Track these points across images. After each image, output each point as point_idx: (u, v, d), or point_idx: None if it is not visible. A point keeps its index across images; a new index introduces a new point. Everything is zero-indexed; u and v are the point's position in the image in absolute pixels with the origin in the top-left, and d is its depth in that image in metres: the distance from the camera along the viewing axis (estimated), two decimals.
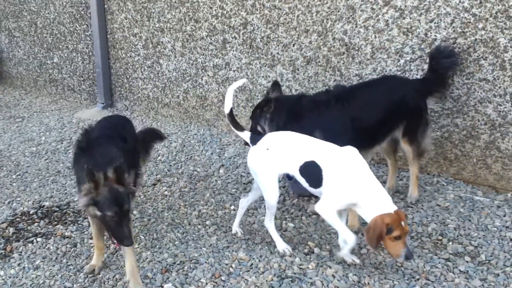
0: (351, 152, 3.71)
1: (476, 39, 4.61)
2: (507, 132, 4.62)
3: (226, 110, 4.16)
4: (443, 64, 4.63)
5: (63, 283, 3.90)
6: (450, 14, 4.69)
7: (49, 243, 4.43)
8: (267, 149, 3.91)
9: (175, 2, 6.74)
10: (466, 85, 4.74)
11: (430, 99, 4.65)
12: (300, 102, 4.51)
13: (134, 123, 4.86)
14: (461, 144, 4.90)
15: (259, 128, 4.60)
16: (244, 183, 5.25)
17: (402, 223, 3.41)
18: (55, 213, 4.91)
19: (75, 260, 4.19)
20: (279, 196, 4.91)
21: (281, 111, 4.48)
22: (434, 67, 4.63)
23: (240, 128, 4.18)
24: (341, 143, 4.23)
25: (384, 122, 4.47)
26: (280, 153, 3.87)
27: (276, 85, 4.69)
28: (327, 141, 4.16)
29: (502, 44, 4.49)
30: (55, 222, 4.76)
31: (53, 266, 4.12)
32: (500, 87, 4.58)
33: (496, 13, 4.46)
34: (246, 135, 4.11)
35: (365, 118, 4.39)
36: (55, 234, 4.56)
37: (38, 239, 4.49)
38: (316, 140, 3.88)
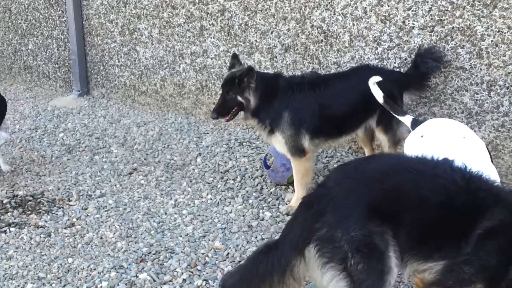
0: None
1: (453, 27, 4.61)
2: (484, 121, 4.63)
3: (380, 99, 4.04)
4: (429, 65, 4.62)
5: (37, 273, 3.85)
6: (427, 1, 4.67)
7: (23, 233, 4.36)
8: (422, 136, 3.61)
9: None
10: (443, 73, 4.74)
11: (406, 94, 4.67)
12: (276, 80, 4.53)
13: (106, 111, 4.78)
14: None
15: (239, 99, 4.42)
16: (221, 172, 5.22)
17: None
18: (29, 203, 4.83)
19: (49, 250, 4.14)
20: (256, 185, 4.91)
21: (261, 84, 4.43)
22: (418, 65, 4.64)
23: (402, 112, 4.03)
24: (306, 128, 4.37)
25: (354, 111, 4.52)
26: (435, 142, 3.46)
27: (237, 57, 4.65)
28: (293, 124, 4.27)
29: (479, 32, 4.49)
30: (29, 212, 4.69)
31: (27, 256, 4.07)
32: (477, 76, 4.59)
33: (473, 1, 4.46)
34: (407, 120, 3.90)
35: (333, 106, 4.44)
36: (29, 224, 4.50)
37: (12, 229, 4.42)
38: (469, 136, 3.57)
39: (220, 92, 4.60)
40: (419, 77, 4.69)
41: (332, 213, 2.64)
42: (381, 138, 4.63)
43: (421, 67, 4.63)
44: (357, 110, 4.52)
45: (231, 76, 4.50)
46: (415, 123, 3.80)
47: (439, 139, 3.46)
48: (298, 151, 4.42)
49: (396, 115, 4.05)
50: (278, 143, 4.48)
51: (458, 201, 2.57)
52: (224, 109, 4.49)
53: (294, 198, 4.49)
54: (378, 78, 4.09)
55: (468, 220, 2.53)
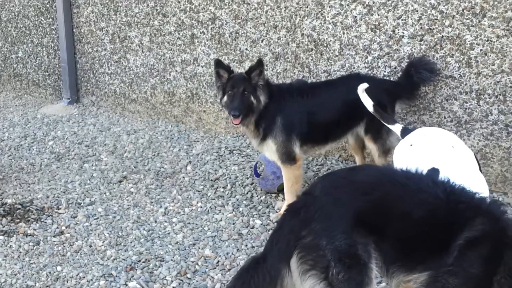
0: None
1: (443, 36, 4.64)
2: (473, 129, 4.66)
3: (370, 108, 4.04)
4: (423, 76, 4.62)
5: (25, 282, 3.82)
6: (417, 11, 4.70)
7: (11, 241, 4.33)
8: (411, 145, 3.60)
9: None
10: (432, 82, 4.76)
11: (398, 103, 4.70)
12: (269, 86, 4.47)
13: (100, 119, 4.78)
14: None
15: (252, 99, 4.30)
16: (211, 180, 5.21)
17: None
18: (18, 211, 4.80)
19: (37, 258, 4.11)
20: (247, 193, 4.90)
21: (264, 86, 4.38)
22: (411, 74, 4.64)
23: (391, 121, 4.03)
24: (297, 134, 4.41)
25: (340, 119, 4.54)
26: (424, 151, 3.46)
27: (221, 64, 4.46)
28: (285, 129, 4.32)
29: (468, 41, 4.52)
30: (18, 220, 4.66)
31: (15, 264, 4.04)
32: (466, 84, 4.61)
33: (462, 10, 4.49)
34: (397, 128, 3.91)
35: (320, 113, 4.48)
36: (18, 232, 4.47)
37: (0, 237, 4.39)
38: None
39: (231, 90, 4.34)
40: (411, 87, 4.71)
41: (318, 221, 2.64)
42: (371, 146, 4.66)
43: (414, 77, 4.63)
44: (343, 118, 4.54)
45: (244, 73, 4.39)
46: (405, 132, 3.80)
47: (428, 148, 3.46)
48: (289, 158, 4.43)
49: (385, 124, 4.05)
50: (270, 150, 4.48)
51: (439, 214, 2.61)
52: (244, 108, 4.29)
53: (284, 206, 4.49)
54: (365, 85, 4.09)
55: (449, 232, 2.57)
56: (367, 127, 4.56)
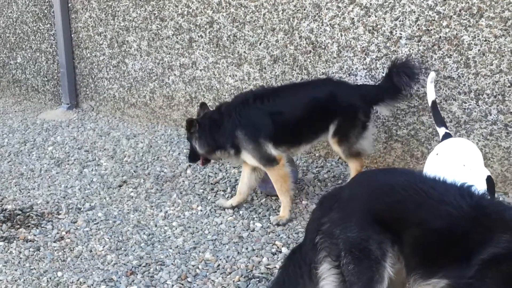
0: None
1: (440, 37, 4.64)
2: (472, 129, 4.66)
3: (428, 101, 4.11)
4: (402, 80, 4.59)
5: None
6: (414, 12, 4.71)
7: (12, 247, 4.33)
8: (437, 154, 3.66)
9: (140, 0, 6.66)
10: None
11: (382, 106, 4.70)
12: (219, 110, 4.68)
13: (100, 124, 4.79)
14: (427, 142, 4.92)
15: (194, 147, 4.74)
16: (211, 183, 5.21)
17: None
18: (18, 216, 4.80)
19: (38, 264, 4.11)
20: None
21: (205, 125, 4.62)
22: (392, 76, 4.63)
23: (439, 123, 4.02)
24: (262, 137, 4.45)
25: (310, 120, 4.54)
26: (441, 164, 3.51)
27: (203, 105, 4.88)
28: (249, 137, 4.42)
29: (466, 41, 4.52)
30: (18, 226, 4.66)
31: (16, 270, 4.04)
32: (464, 85, 4.62)
33: (460, 10, 4.50)
34: (441, 132, 3.91)
35: (285, 115, 4.51)
36: (18, 237, 4.47)
37: (0, 243, 4.39)
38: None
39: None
40: (392, 89, 4.66)
41: (336, 211, 2.78)
42: (335, 149, 4.67)
43: (394, 79, 4.62)
44: (311, 119, 4.54)
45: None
46: (445, 138, 3.84)
47: (443, 163, 3.49)
48: (269, 160, 4.46)
49: (435, 123, 4.10)
50: (248, 160, 4.55)
51: (460, 227, 2.58)
52: (194, 155, 4.83)
53: (282, 208, 4.49)
54: (434, 75, 4.29)
55: (471, 245, 2.53)
56: (336, 130, 4.56)
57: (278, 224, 4.39)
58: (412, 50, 4.79)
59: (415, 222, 2.65)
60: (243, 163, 4.66)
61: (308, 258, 2.87)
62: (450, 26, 4.57)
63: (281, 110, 4.51)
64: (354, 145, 4.57)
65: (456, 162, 3.47)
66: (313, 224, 2.90)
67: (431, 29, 4.67)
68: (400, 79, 4.60)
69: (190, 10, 6.20)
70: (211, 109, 4.92)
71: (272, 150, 4.46)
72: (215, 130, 4.57)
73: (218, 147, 4.60)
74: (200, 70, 6.35)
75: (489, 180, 3.44)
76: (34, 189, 5.36)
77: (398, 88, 4.65)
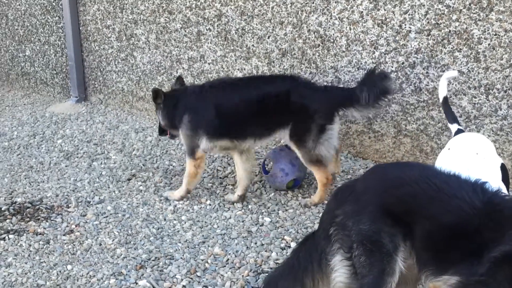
0: None
1: (450, 31, 4.62)
2: (482, 124, 4.64)
3: (440, 98, 4.10)
4: (373, 92, 4.33)
5: (36, 281, 3.84)
6: (424, 5, 4.68)
7: (22, 240, 4.35)
8: (449, 149, 3.60)
9: None
10: (440, 77, 4.73)
11: (354, 111, 4.45)
12: (185, 90, 4.88)
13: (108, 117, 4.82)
14: (437, 137, 4.91)
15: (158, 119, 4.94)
16: (220, 177, 5.21)
17: None
18: (28, 209, 4.82)
19: (48, 257, 4.13)
20: (255, 191, 4.91)
21: (170, 101, 4.80)
22: (365, 84, 4.41)
23: (451, 119, 3.97)
24: (205, 127, 4.58)
25: (260, 115, 4.51)
26: (453, 157, 3.45)
27: (180, 78, 5.05)
28: (191, 125, 4.58)
29: (476, 35, 4.50)
30: (28, 219, 4.68)
31: (26, 263, 4.06)
32: (474, 79, 4.60)
33: (469, 4, 4.47)
34: (453, 128, 3.87)
35: (232, 107, 4.56)
36: (28, 230, 4.49)
37: (10, 236, 4.41)
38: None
39: None
40: (363, 99, 4.36)
41: (349, 203, 2.80)
42: (296, 152, 4.57)
43: (365, 90, 4.34)
44: (260, 115, 4.51)
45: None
46: (457, 133, 3.79)
47: (455, 155, 3.46)
48: (192, 153, 4.65)
49: (447, 120, 4.08)
50: (183, 142, 4.83)
51: (471, 223, 2.56)
52: (161, 128, 5.02)
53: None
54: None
55: (483, 242, 2.51)
56: (291, 132, 4.48)
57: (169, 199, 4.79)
58: (422, 44, 4.77)
59: (426, 217, 2.64)
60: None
61: (320, 247, 2.91)
62: (460, 20, 4.55)
63: (228, 102, 4.57)
64: (312, 150, 4.42)
65: (469, 152, 3.44)
66: (327, 215, 2.93)
67: (441, 23, 4.64)
68: (372, 90, 4.34)
69: (198, 3, 6.19)
70: (187, 85, 5.11)
71: (202, 144, 4.59)
72: (174, 108, 4.75)
73: (173, 125, 4.79)
74: (209, 64, 6.34)
75: (503, 168, 3.43)
76: (43, 182, 5.38)
77: (369, 99, 4.35)
